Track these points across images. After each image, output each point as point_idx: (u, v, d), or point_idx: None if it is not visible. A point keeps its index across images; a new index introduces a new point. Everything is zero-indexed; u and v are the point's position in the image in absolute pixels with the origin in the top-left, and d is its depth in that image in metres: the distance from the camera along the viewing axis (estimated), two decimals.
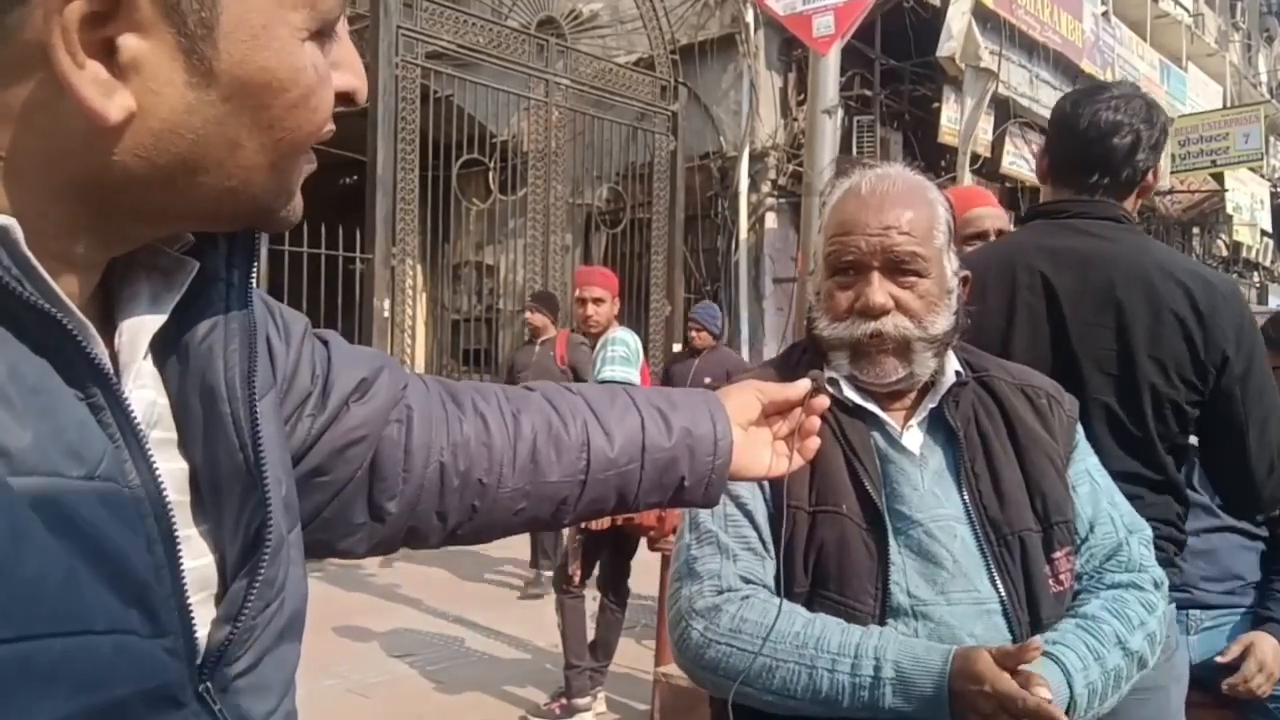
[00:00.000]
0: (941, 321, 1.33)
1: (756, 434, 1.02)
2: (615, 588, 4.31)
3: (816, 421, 1.03)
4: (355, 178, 8.92)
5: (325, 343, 0.84)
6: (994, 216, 2.66)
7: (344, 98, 0.61)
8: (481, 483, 0.88)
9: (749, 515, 1.33)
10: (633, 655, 4.72)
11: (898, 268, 1.31)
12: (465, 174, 8.81)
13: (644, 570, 4.36)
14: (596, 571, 4.32)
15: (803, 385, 1.02)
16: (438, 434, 0.87)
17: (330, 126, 0.61)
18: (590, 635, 4.27)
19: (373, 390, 0.84)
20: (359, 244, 7.88)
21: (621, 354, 4.15)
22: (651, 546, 4.07)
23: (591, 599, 4.33)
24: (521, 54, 9.00)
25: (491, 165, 8.91)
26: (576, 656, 4.16)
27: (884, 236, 1.30)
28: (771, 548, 1.32)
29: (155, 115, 0.52)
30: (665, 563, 4.08)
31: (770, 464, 1.01)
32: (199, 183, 0.55)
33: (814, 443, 1.03)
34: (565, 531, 4.50)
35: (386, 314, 7.85)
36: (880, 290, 1.30)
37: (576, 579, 4.17)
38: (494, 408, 0.91)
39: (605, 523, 3.95)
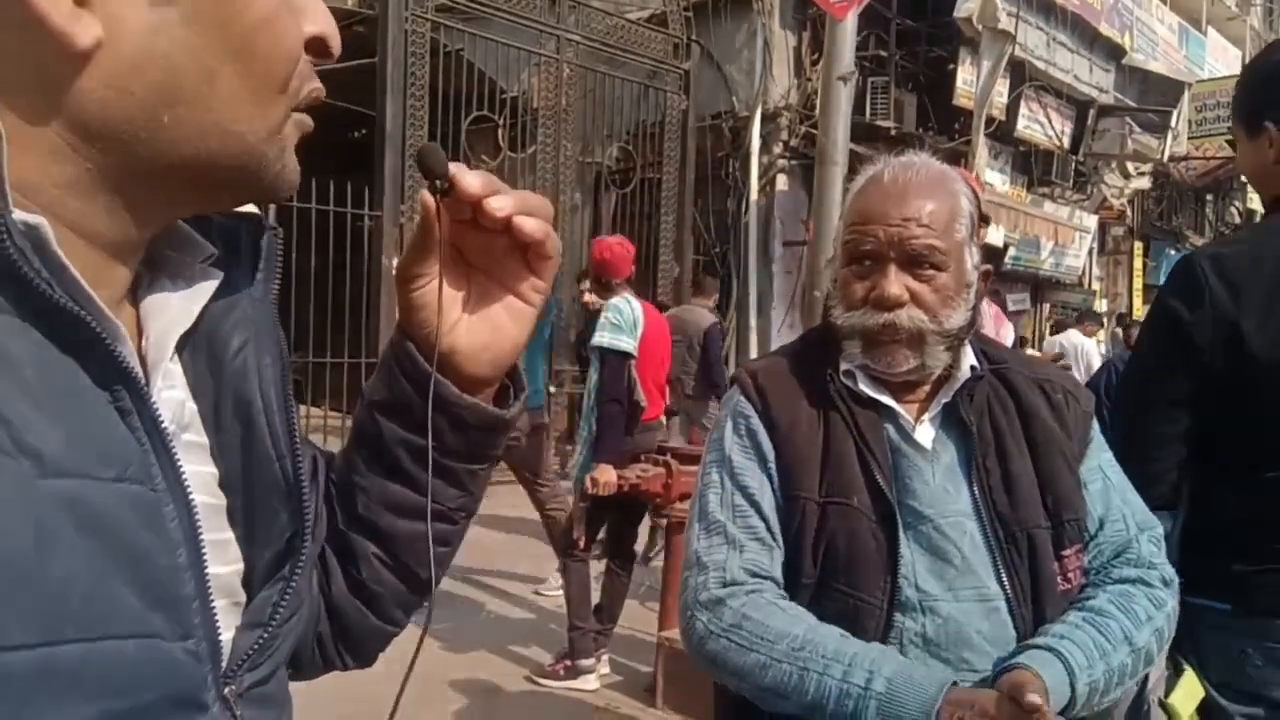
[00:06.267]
0: (957, 316, 1.32)
1: (485, 291, 0.75)
2: (621, 552, 4.35)
3: (495, 202, 0.69)
4: (364, 132, 8.86)
5: None
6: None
7: (317, 45, 0.61)
8: (321, 588, 0.80)
9: (756, 505, 1.33)
10: (637, 618, 4.76)
11: (915, 260, 1.30)
12: (475, 130, 8.75)
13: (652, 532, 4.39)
14: (602, 535, 4.35)
15: (426, 202, 0.71)
16: None
17: (317, 85, 0.61)
18: (595, 598, 4.32)
19: (318, 463, 0.80)
20: (368, 201, 7.84)
21: (613, 320, 4.18)
22: (657, 513, 4.09)
23: (596, 560, 4.36)
24: (532, 9, 8.90)
25: (501, 122, 8.85)
26: (581, 619, 4.21)
27: (902, 228, 1.29)
28: (780, 537, 1.32)
29: (123, 40, 0.52)
30: (670, 529, 4.11)
31: (526, 298, 0.75)
32: (183, 117, 0.55)
33: (524, 224, 0.70)
34: (570, 497, 4.52)
35: (394, 271, 7.82)
36: (896, 282, 1.29)
37: (581, 543, 4.21)
38: None
39: (611, 488, 3.97)
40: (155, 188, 0.57)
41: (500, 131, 8.94)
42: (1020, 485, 1.30)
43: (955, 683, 1.17)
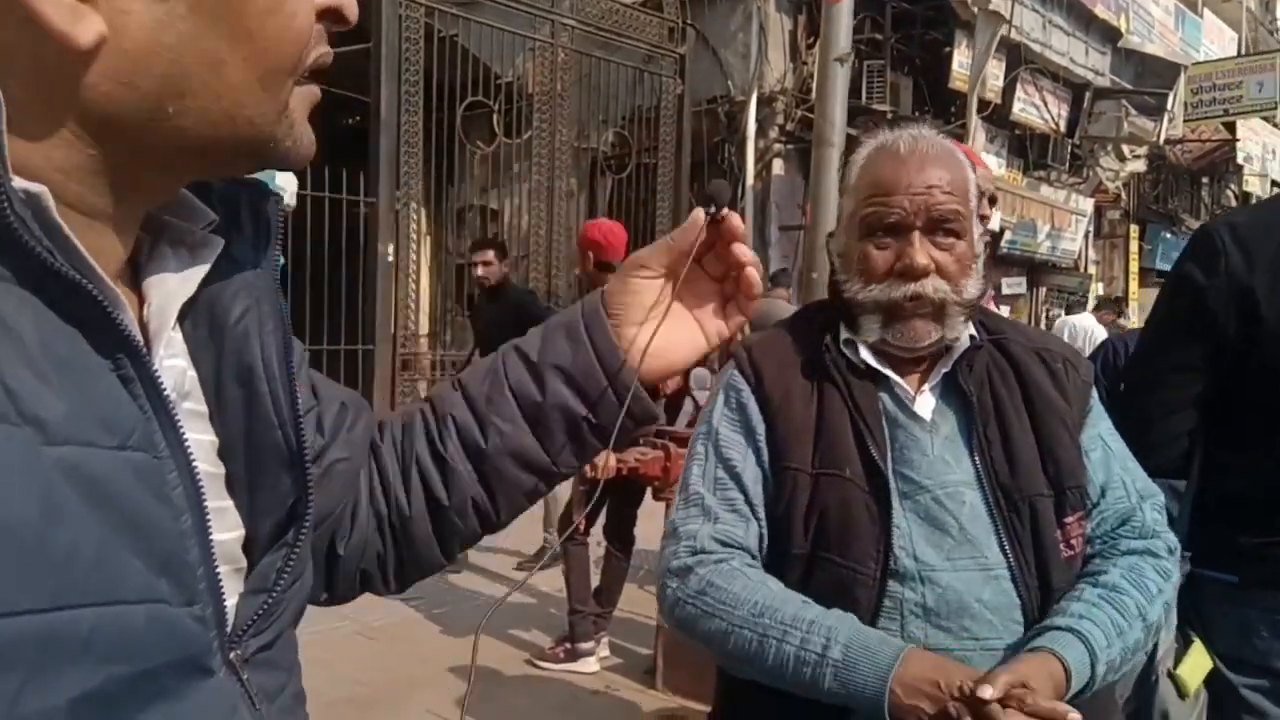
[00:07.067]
0: (973, 286, 1.32)
1: (677, 310, 0.86)
2: (620, 535, 4.36)
3: (742, 249, 0.84)
4: (358, 118, 8.83)
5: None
6: (984, 178, 2.58)
7: (332, 14, 0.60)
8: (387, 517, 0.85)
9: (737, 477, 1.33)
10: (635, 601, 4.78)
11: (938, 228, 1.29)
12: (469, 116, 8.72)
13: (649, 518, 4.39)
14: (602, 519, 4.36)
15: (697, 221, 0.84)
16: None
17: (326, 50, 0.60)
18: (594, 581, 4.32)
19: (358, 424, 0.83)
20: (363, 188, 7.82)
21: None
22: (656, 496, 4.10)
23: (597, 544, 4.37)
24: None
25: (496, 108, 8.81)
26: (580, 602, 4.22)
27: (928, 195, 1.28)
28: (760, 510, 1.32)
29: (128, 36, 0.51)
30: (669, 511, 4.11)
31: (710, 329, 0.87)
32: (189, 107, 0.54)
33: (752, 275, 0.85)
34: (569, 480, 4.52)
35: (390, 258, 7.82)
36: (922, 251, 1.29)
37: (581, 527, 4.21)
38: (388, 439, 0.87)
39: (610, 471, 3.97)
40: (160, 169, 0.57)
41: (495, 117, 8.90)
42: (1021, 454, 1.30)
43: (912, 646, 1.18)
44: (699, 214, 0.82)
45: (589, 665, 4.21)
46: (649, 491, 4.20)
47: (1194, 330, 1.65)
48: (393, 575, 0.86)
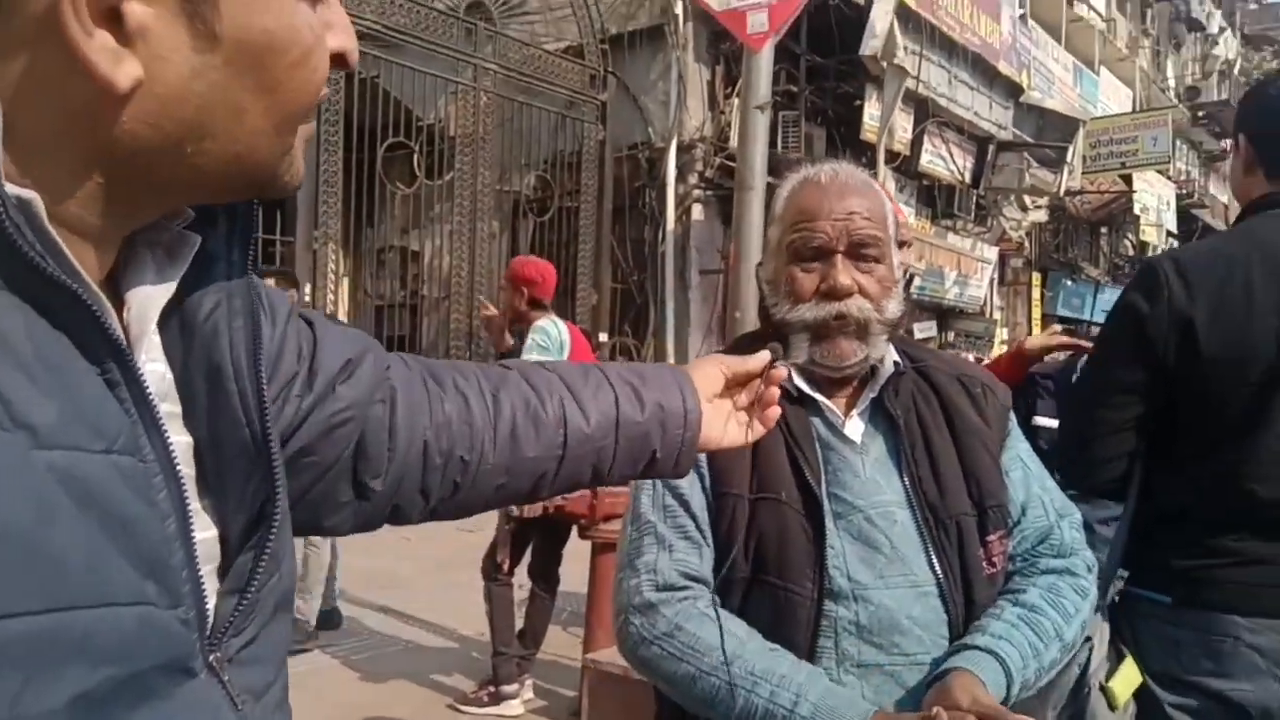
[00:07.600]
0: (894, 305, 1.39)
1: (720, 406, 1.05)
2: (545, 575, 4.32)
3: (776, 392, 1.06)
4: None
5: (310, 323, 0.83)
6: (903, 225, 2.67)
7: (337, 59, 0.63)
8: (464, 460, 0.89)
9: (685, 504, 1.35)
10: (560, 643, 4.74)
11: (859, 252, 1.36)
12: (390, 157, 8.69)
13: (573, 559, 4.38)
14: (527, 559, 4.32)
15: (763, 357, 1.05)
16: (420, 414, 0.88)
17: (326, 90, 0.62)
18: (518, 623, 4.28)
19: (358, 372, 0.83)
20: (279, 226, 7.72)
21: (540, 343, 4.20)
22: (582, 535, 4.08)
23: (519, 586, 4.33)
24: (449, 37, 8.88)
25: (417, 149, 8.80)
26: (504, 644, 4.17)
27: (848, 221, 1.35)
28: (709, 535, 1.35)
29: (162, 81, 0.53)
30: (595, 550, 4.11)
31: (732, 434, 1.05)
32: (207, 149, 0.56)
33: (774, 412, 1.06)
34: (495, 519, 4.48)
35: (308, 299, 7.71)
36: (845, 273, 1.35)
37: (505, 566, 4.18)
38: (474, 386, 0.92)
39: (536, 510, 3.96)
40: (161, 197, 0.59)
41: (416, 158, 8.89)
42: (947, 474, 1.35)
43: (878, 710, 1.21)
44: (767, 354, 1.05)
45: (513, 708, 4.15)
46: (574, 531, 4.19)
47: (1135, 356, 1.73)
48: (430, 509, 0.90)
